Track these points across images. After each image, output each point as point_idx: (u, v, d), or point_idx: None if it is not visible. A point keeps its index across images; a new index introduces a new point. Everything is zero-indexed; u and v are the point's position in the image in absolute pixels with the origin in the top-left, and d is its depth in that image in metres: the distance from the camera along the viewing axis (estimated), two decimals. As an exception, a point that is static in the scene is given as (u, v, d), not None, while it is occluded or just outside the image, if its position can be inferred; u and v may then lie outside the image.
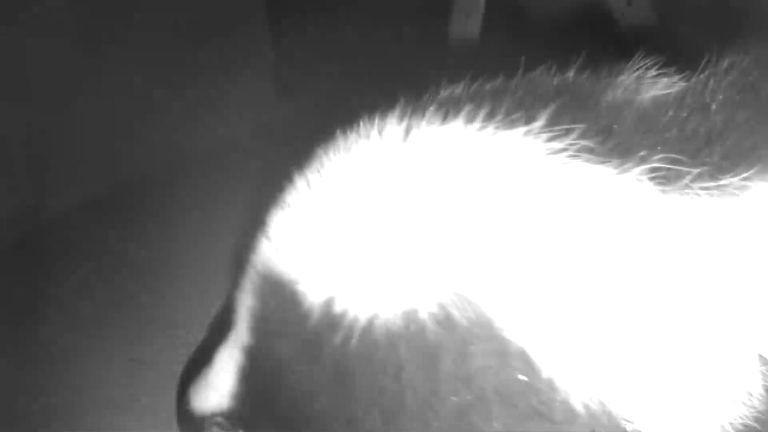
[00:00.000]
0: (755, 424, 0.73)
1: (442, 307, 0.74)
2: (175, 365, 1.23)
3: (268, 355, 0.87)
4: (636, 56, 0.82)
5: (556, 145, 0.73)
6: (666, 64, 0.82)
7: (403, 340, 0.75)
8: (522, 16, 1.99)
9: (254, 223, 0.89)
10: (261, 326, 0.88)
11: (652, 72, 0.82)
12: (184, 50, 1.79)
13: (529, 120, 0.75)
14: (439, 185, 0.76)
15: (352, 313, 0.77)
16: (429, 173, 0.77)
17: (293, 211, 0.85)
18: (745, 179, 0.72)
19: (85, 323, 1.38)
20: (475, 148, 0.76)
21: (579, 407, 0.72)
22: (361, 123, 0.84)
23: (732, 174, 0.72)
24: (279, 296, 0.83)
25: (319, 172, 0.84)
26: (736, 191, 0.72)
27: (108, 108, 1.68)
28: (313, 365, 0.81)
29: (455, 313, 0.73)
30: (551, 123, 0.74)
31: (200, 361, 0.99)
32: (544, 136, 0.74)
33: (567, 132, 0.74)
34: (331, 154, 0.84)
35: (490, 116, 0.77)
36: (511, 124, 0.76)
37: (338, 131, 0.86)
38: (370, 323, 0.76)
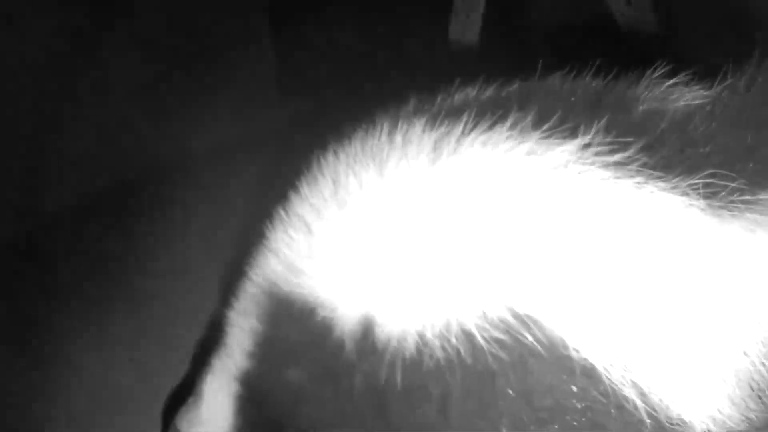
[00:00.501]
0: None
1: (498, 326, 0.70)
2: (175, 365, 1.23)
3: (279, 383, 0.80)
4: (657, 64, 0.81)
5: (608, 158, 0.72)
6: (674, 69, 0.82)
7: (455, 365, 0.70)
8: (521, 17, 1.99)
9: (250, 236, 0.83)
10: (269, 353, 0.81)
11: (673, 81, 0.81)
12: (184, 49, 1.78)
13: (576, 133, 0.73)
14: (487, 197, 0.72)
15: (393, 341, 0.72)
16: (476, 184, 0.73)
17: (312, 228, 0.77)
18: None
19: (85, 323, 1.38)
20: (524, 160, 0.73)
21: (643, 416, 0.71)
22: (382, 128, 0.77)
23: (766, 190, 0.73)
24: (299, 322, 0.77)
25: (335, 184, 0.77)
26: None
27: (107, 108, 1.68)
28: (340, 396, 0.76)
29: (513, 332, 0.70)
30: (602, 137, 0.73)
31: (185, 394, 0.94)
32: (596, 149, 0.72)
33: (619, 146, 0.72)
34: (351, 162, 0.77)
35: (533, 127, 0.74)
36: (560, 136, 0.73)
37: (350, 136, 0.79)
38: (418, 351, 0.71)
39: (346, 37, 1.92)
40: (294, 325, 0.77)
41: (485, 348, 0.70)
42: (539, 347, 0.70)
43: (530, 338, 0.70)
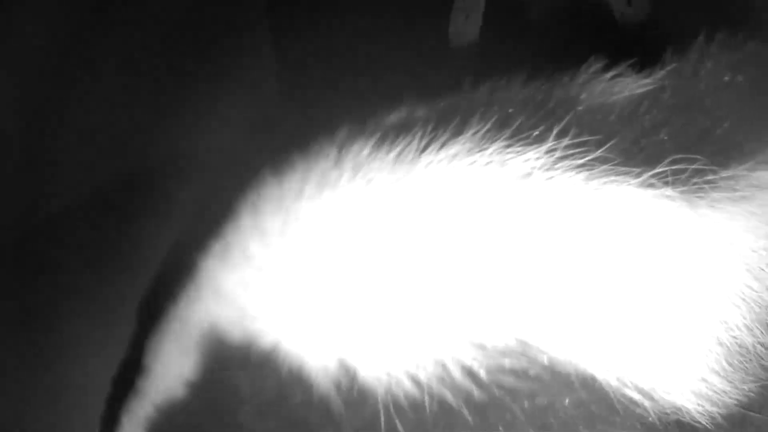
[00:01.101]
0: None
1: (494, 355, 0.67)
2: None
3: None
4: (590, 59, 0.81)
5: (573, 162, 0.71)
6: (613, 61, 0.82)
7: (459, 401, 0.67)
8: (522, 16, 1.99)
9: (181, 258, 0.72)
10: (215, 403, 0.73)
11: (613, 73, 0.81)
12: (184, 48, 1.78)
13: (538, 139, 0.71)
14: (458, 219, 0.69)
15: (382, 388, 0.66)
16: (443, 205, 0.69)
17: (263, 264, 0.69)
18: (740, 172, 0.74)
19: (87, 323, 1.37)
20: (490, 173, 0.70)
21: (643, 411, 0.71)
22: (330, 152, 0.71)
23: (727, 168, 0.74)
24: (257, 375, 0.68)
25: (285, 212, 0.69)
26: (735, 184, 0.74)
27: (107, 107, 1.68)
28: None
29: (511, 358, 0.67)
30: (563, 140, 0.72)
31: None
32: (560, 154, 0.71)
33: (580, 148, 0.71)
34: (301, 190, 0.70)
35: (493, 138, 0.71)
36: (522, 144, 0.71)
37: (293, 162, 0.70)
38: (416, 393, 0.66)
39: (346, 37, 1.92)
40: (249, 377, 0.70)
41: (486, 380, 0.66)
42: (536, 368, 0.68)
43: (526, 361, 0.68)
